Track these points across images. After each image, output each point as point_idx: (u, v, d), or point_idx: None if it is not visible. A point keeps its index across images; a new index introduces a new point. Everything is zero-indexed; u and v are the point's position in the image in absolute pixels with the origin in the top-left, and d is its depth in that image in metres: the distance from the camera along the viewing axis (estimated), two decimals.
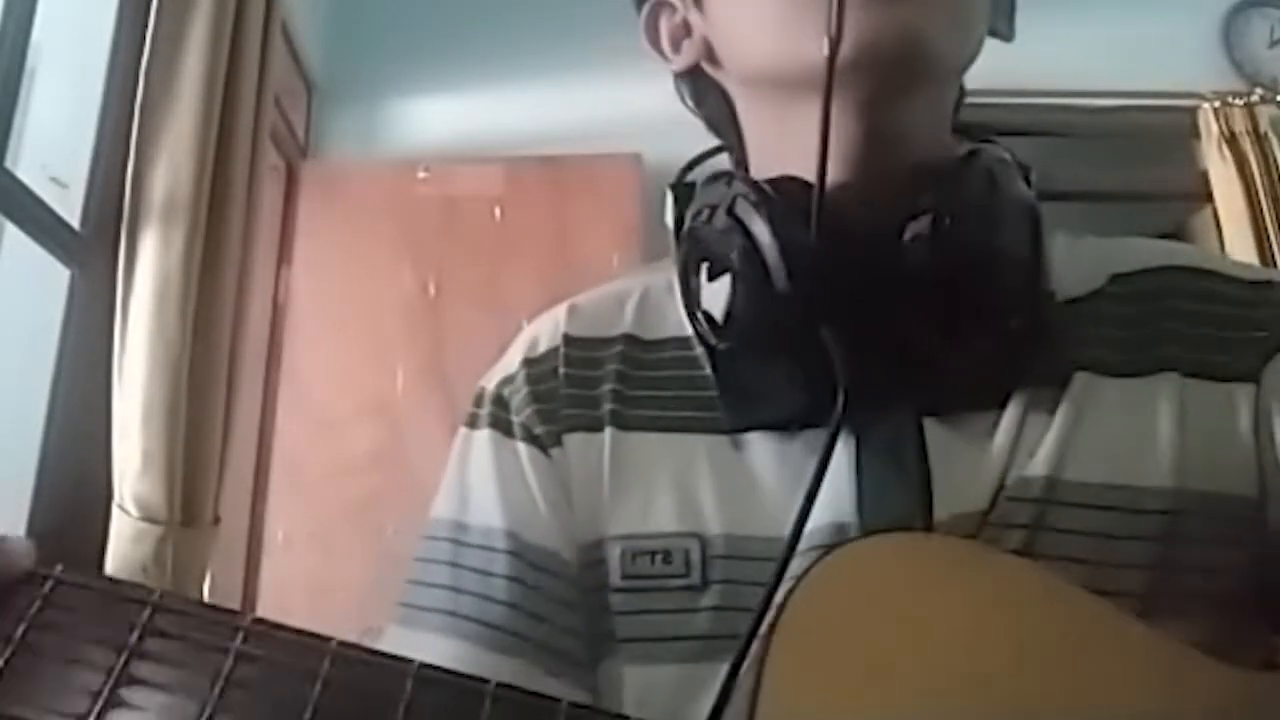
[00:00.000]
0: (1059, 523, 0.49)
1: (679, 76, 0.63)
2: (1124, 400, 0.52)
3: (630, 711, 0.51)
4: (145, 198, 1.42)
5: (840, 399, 0.47)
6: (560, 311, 0.62)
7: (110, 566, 1.35)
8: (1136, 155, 2.61)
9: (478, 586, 0.54)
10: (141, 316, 1.38)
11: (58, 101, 1.55)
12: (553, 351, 0.59)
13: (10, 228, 1.37)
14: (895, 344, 0.51)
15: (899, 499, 0.50)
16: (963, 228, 0.50)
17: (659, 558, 0.52)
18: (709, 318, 0.52)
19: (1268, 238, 2.43)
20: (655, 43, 0.62)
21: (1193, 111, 2.60)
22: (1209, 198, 2.56)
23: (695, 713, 0.48)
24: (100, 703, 0.34)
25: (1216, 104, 2.58)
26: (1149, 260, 0.57)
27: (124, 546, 1.35)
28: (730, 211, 0.52)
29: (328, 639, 0.37)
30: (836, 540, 0.49)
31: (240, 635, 0.37)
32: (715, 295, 0.52)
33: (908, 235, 0.50)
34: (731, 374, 0.54)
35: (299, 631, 0.38)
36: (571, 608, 0.53)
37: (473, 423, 0.60)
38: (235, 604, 2.04)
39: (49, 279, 1.44)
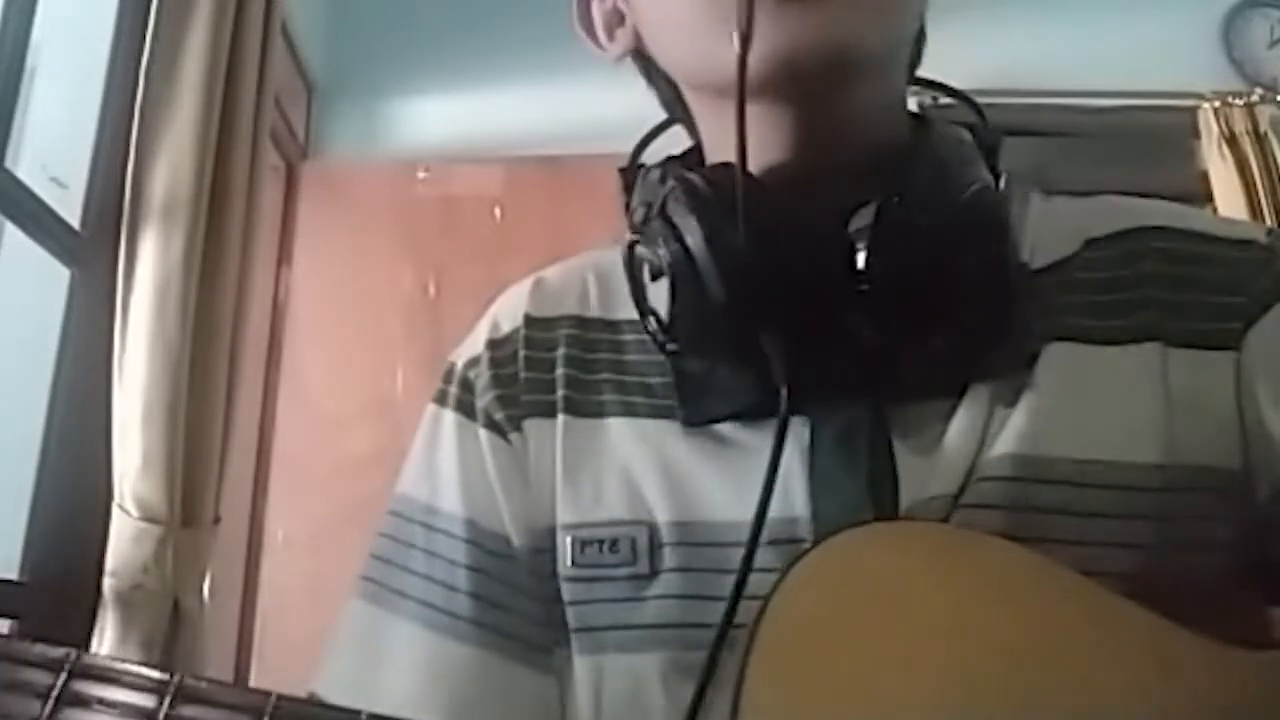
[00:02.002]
0: (1040, 502, 0.47)
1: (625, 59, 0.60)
2: (1104, 370, 0.50)
3: (583, 702, 0.51)
4: (145, 198, 1.42)
5: (783, 401, 0.46)
6: (525, 287, 0.61)
7: (110, 566, 1.35)
8: (1136, 155, 2.61)
9: (445, 575, 0.54)
10: (141, 316, 1.38)
11: (58, 101, 1.55)
12: (514, 333, 0.59)
13: (10, 228, 1.37)
14: (846, 336, 0.49)
15: (851, 488, 0.49)
16: (908, 217, 0.48)
17: (606, 546, 0.51)
18: (657, 319, 0.51)
19: None
20: (589, 29, 0.60)
21: (1193, 111, 2.59)
22: (1209, 198, 2.56)
23: (647, 703, 0.49)
24: None
25: (1216, 104, 2.58)
26: (1124, 221, 0.54)
27: (124, 546, 1.35)
28: (663, 213, 0.50)
29: (266, 694, 0.36)
30: (787, 533, 0.48)
31: (169, 697, 0.35)
32: (659, 296, 0.50)
33: (852, 227, 0.48)
34: (683, 370, 0.53)
35: (328, 706, 0.37)
36: (529, 594, 0.53)
37: (441, 399, 0.60)
38: (235, 604, 2.04)
39: (49, 279, 1.44)
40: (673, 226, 0.49)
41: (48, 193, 1.41)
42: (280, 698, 0.36)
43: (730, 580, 0.45)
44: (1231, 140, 2.53)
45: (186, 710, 0.35)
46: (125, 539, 1.35)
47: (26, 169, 1.38)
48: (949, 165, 0.50)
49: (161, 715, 0.34)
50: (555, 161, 2.34)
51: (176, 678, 0.35)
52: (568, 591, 0.52)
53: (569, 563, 0.52)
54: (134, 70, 1.46)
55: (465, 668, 0.52)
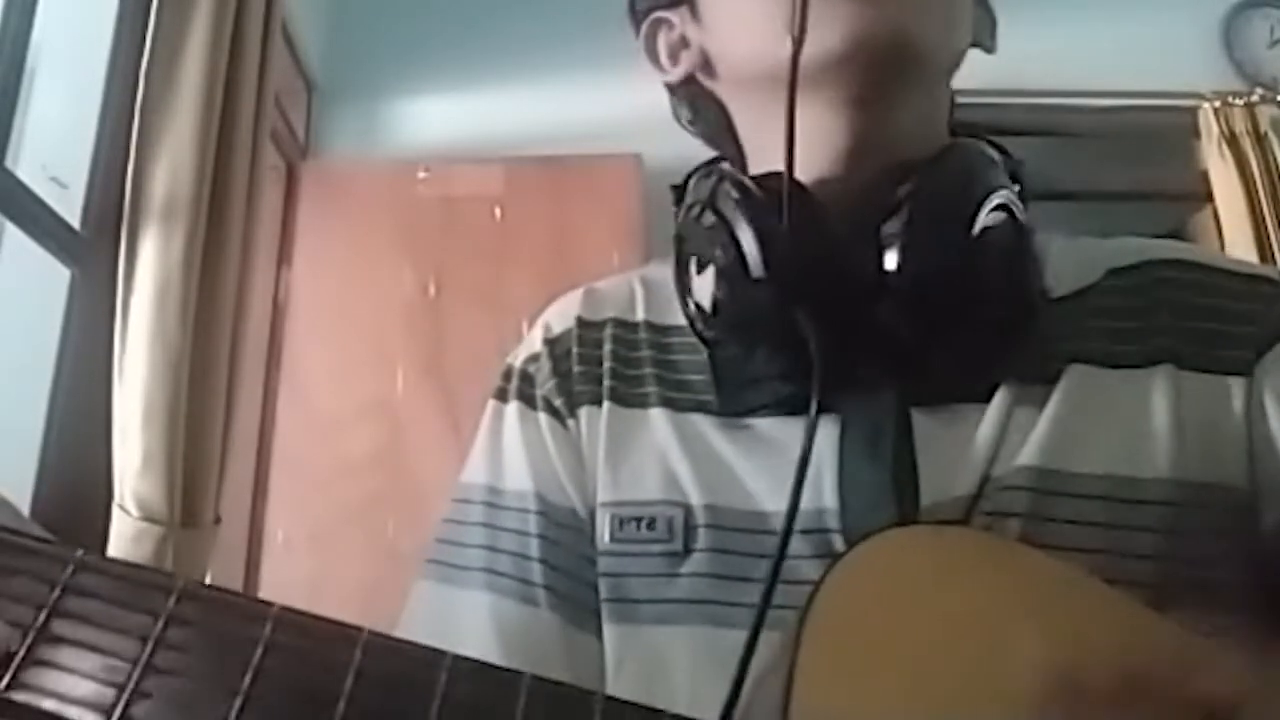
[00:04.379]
0: (1057, 513, 0.49)
1: (676, 93, 0.65)
2: (1120, 391, 0.52)
3: (610, 670, 0.53)
4: (145, 198, 1.42)
5: (815, 379, 0.48)
6: (577, 295, 0.66)
7: None
8: (1136, 155, 2.61)
9: (514, 545, 0.57)
10: (141, 316, 1.38)
11: (58, 101, 1.55)
12: (567, 333, 0.63)
13: (10, 228, 1.37)
14: (877, 337, 0.52)
15: (875, 485, 0.51)
16: (935, 225, 0.51)
17: (644, 523, 0.54)
18: (700, 308, 0.55)
19: (1268, 238, 2.44)
20: (654, 58, 0.65)
21: (1193, 111, 2.60)
22: (1209, 198, 2.56)
23: (669, 675, 0.51)
24: (126, 695, 0.33)
25: (1216, 104, 2.58)
26: (1145, 255, 0.57)
27: (124, 546, 1.35)
28: (712, 205, 0.54)
29: (359, 629, 0.37)
30: (816, 524, 0.51)
31: (269, 625, 0.36)
32: (704, 287, 0.54)
33: (884, 231, 0.51)
34: (724, 362, 0.56)
35: (330, 621, 0.37)
36: (590, 564, 0.56)
37: (502, 396, 0.64)
38: None
39: (49, 279, 1.44)
40: (721, 215, 0.53)
41: (48, 193, 1.41)
42: (372, 634, 0.37)
43: (760, 564, 0.48)
44: (1231, 140, 2.54)
45: (188, 609, 0.36)
46: (125, 539, 1.35)
47: (26, 169, 1.38)
48: (975, 176, 0.53)
49: (165, 613, 0.35)
50: (555, 161, 2.34)
51: (181, 580, 0.36)
52: (603, 564, 0.55)
53: (607, 538, 0.55)
54: (134, 70, 1.46)
55: (535, 631, 0.55)
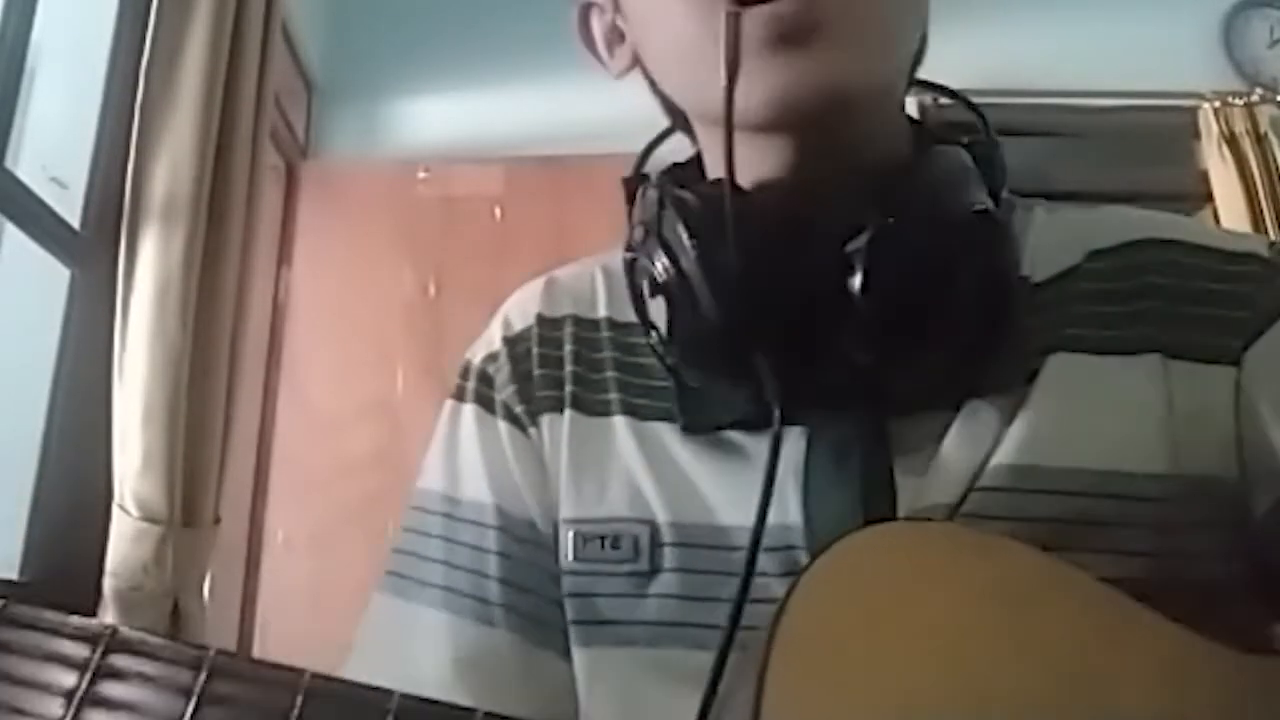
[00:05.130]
0: (1039, 512, 0.47)
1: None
2: (1104, 381, 0.50)
3: (580, 694, 0.52)
4: (145, 198, 1.42)
5: (776, 421, 0.46)
6: (538, 286, 0.63)
7: (110, 566, 1.35)
8: (1136, 155, 2.61)
9: (471, 561, 0.55)
10: (141, 316, 1.38)
11: (58, 101, 1.55)
12: (527, 331, 0.60)
13: (10, 228, 1.37)
14: (842, 353, 0.49)
15: (842, 498, 0.50)
16: (902, 244, 0.47)
17: (608, 541, 0.52)
18: (659, 333, 0.52)
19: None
20: (590, 45, 0.60)
21: (1193, 111, 2.60)
22: (1209, 198, 2.56)
23: (639, 698, 0.50)
24: None
25: (1216, 104, 2.58)
26: (1127, 233, 0.55)
27: (124, 546, 1.35)
28: (659, 234, 0.51)
29: (300, 671, 0.35)
30: (781, 540, 0.49)
31: (204, 673, 0.34)
32: (659, 312, 0.51)
33: (850, 247, 0.48)
34: (684, 381, 0.53)
35: (269, 665, 0.36)
36: (554, 580, 0.54)
37: (460, 395, 0.61)
38: (235, 604, 2.04)
39: (49, 279, 1.44)
40: (667, 247, 0.50)
41: (48, 193, 1.40)
42: (314, 675, 0.36)
43: (728, 583, 0.46)
44: (1231, 140, 2.54)
45: (222, 686, 0.35)
46: (125, 539, 1.35)
47: (26, 169, 1.38)
48: (947, 188, 0.50)
49: (198, 689, 0.34)
50: (555, 161, 2.34)
51: (211, 652, 0.35)
52: (569, 584, 0.53)
53: (570, 557, 0.53)
54: (134, 70, 1.46)
55: (494, 652, 0.53)
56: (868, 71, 0.49)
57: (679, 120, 0.60)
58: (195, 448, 1.42)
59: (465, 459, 0.58)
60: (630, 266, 0.53)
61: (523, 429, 0.57)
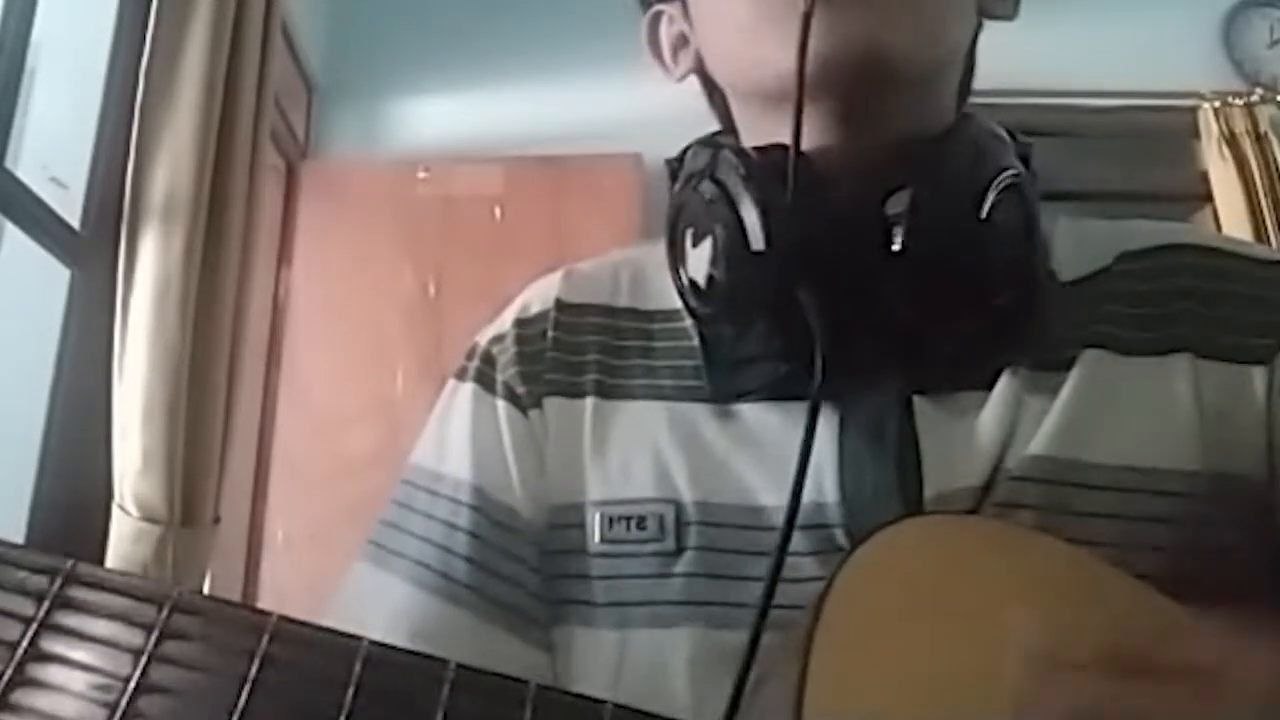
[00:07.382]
0: (1072, 505, 0.48)
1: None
2: (1137, 379, 0.51)
3: (603, 676, 0.51)
4: (145, 198, 1.42)
5: (818, 362, 0.46)
6: (556, 276, 0.63)
7: (110, 566, 1.34)
8: (1136, 155, 2.61)
9: (441, 537, 0.55)
10: (141, 316, 1.37)
11: (58, 101, 1.55)
12: (543, 315, 0.60)
13: (10, 228, 1.37)
14: (879, 318, 0.50)
15: (880, 477, 0.50)
16: (942, 204, 0.49)
17: (634, 522, 0.52)
18: (694, 283, 0.52)
19: (1267, 238, 2.43)
20: (657, 53, 0.63)
21: (1193, 111, 2.59)
22: (1209, 198, 2.56)
23: (669, 678, 0.49)
24: (117, 713, 0.32)
25: (1216, 104, 2.58)
26: (1158, 239, 0.56)
27: (124, 546, 1.35)
28: (712, 176, 0.52)
29: (359, 638, 0.36)
30: (816, 518, 0.49)
31: (266, 637, 0.35)
32: (699, 261, 0.52)
33: (889, 210, 0.50)
34: (716, 341, 0.54)
35: (330, 631, 0.36)
36: (530, 567, 0.54)
37: (460, 375, 0.61)
38: None
39: (49, 279, 1.44)
40: (721, 185, 0.51)
41: (48, 193, 1.40)
42: (373, 643, 0.36)
43: (756, 561, 0.46)
44: (1231, 140, 2.54)
45: (182, 621, 0.35)
46: (125, 539, 1.35)
47: (26, 169, 1.38)
48: (984, 155, 0.51)
49: (158, 626, 0.34)
50: (555, 161, 2.34)
51: (175, 592, 0.35)
52: (596, 567, 0.53)
53: (597, 539, 0.53)
54: (134, 70, 1.46)
55: (452, 630, 0.53)
56: (915, 40, 0.50)
57: (725, 115, 0.62)
58: (195, 447, 1.42)
59: (454, 436, 0.58)
60: (674, 212, 0.54)
61: (522, 410, 0.57)
